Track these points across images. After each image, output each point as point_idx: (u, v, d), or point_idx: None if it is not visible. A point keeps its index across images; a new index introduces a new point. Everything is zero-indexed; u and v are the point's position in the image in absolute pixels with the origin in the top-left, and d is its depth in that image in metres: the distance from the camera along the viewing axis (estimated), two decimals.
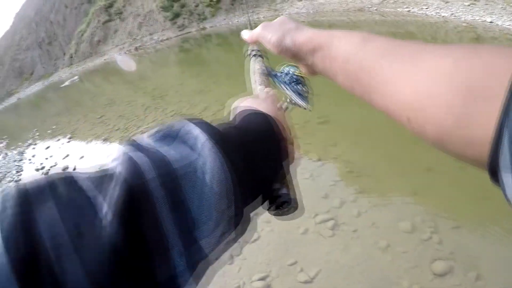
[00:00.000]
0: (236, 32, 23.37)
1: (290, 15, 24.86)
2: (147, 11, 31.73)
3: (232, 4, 28.66)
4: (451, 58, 0.41)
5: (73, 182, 0.34)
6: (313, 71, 0.71)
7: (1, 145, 14.59)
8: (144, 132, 0.46)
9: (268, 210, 0.61)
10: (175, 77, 14.74)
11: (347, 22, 21.58)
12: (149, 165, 0.37)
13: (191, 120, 0.47)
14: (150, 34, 28.64)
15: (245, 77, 0.97)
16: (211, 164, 0.40)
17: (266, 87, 0.82)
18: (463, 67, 0.38)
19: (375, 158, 6.31)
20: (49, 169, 8.97)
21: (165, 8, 30.10)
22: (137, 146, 0.41)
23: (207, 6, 28.77)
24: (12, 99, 39.57)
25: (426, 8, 22.18)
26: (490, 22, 18.71)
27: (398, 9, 22.88)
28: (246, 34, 0.90)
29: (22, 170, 10.03)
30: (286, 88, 0.85)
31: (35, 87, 40.24)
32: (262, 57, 0.93)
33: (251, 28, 0.95)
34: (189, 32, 26.68)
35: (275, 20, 0.79)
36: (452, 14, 20.64)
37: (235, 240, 0.47)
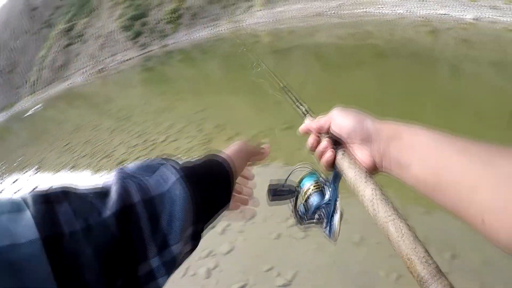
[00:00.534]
0: (198, 46, 23.51)
1: (250, 25, 25.07)
2: (108, 32, 31.45)
3: (193, 19, 28.73)
4: None
5: (77, 191, 0.48)
6: (379, 160, 0.69)
7: None
8: (130, 163, 0.64)
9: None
10: (140, 97, 14.67)
11: (306, 27, 21.82)
12: (135, 189, 0.52)
13: (167, 159, 0.65)
14: (113, 55, 28.39)
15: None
16: (179, 195, 0.56)
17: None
18: None
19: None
20: None
21: (126, 28, 29.91)
22: (127, 174, 0.56)
23: (168, 22, 28.75)
24: None
25: (382, 7, 22.73)
26: (445, 14, 19.39)
27: (355, 11, 23.37)
28: (308, 123, 0.87)
29: None
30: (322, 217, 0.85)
31: None
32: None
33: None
34: (152, 50, 26.60)
35: (342, 108, 0.79)
36: (408, 10, 21.27)
37: (195, 245, 0.63)
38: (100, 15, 33.89)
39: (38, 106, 28.69)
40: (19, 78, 44.16)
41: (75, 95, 23.48)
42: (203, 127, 8.60)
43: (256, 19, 26.39)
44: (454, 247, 3.46)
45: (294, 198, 0.92)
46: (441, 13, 20.25)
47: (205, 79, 15.26)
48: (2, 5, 52.63)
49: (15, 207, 0.40)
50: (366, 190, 0.66)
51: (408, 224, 0.59)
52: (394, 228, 0.59)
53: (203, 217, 0.65)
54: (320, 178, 0.89)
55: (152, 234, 0.51)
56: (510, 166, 0.45)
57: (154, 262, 0.51)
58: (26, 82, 41.05)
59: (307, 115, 1.02)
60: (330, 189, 0.84)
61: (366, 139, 0.70)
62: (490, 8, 19.36)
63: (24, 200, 0.42)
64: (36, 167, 11.00)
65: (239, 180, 0.90)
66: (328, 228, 0.84)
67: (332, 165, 0.80)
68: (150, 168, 0.62)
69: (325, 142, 0.81)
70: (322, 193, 0.85)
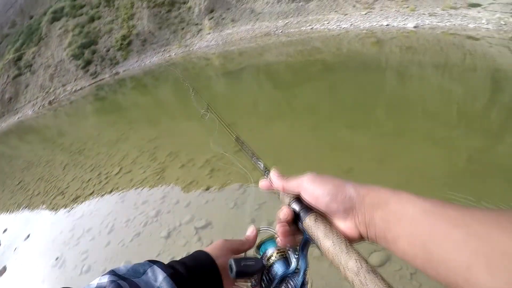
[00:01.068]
0: (149, 73, 23.48)
1: (200, 48, 25.27)
2: (58, 61, 30.86)
3: (143, 45, 28.71)
4: None
5: None
6: (363, 230, 0.64)
7: None
8: (120, 265, 0.74)
9: None
10: (92, 128, 14.50)
11: (256, 47, 22.16)
12: None
13: (154, 262, 0.76)
14: (63, 85, 27.85)
15: None
16: None
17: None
18: None
19: (297, 171, 6.53)
20: None
21: (76, 56, 29.47)
22: (118, 275, 0.66)
23: (118, 49, 28.56)
24: None
25: (328, 23, 23.61)
26: (387, 25, 20.47)
27: (302, 28, 24.11)
28: (276, 182, 0.83)
29: None
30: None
31: None
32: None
33: (266, 175, 0.92)
34: (103, 79, 26.26)
35: (316, 174, 0.75)
36: (352, 24, 22.22)
37: None
38: (49, 44, 33.15)
39: None
40: None
41: (26, 129, 22.85)
42: (156, 156, 8.64)
43: (206, 42, 26.71)
44: None
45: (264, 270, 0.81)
46: (383, 24, 21.24)
47: (157, 106, 15.28)
48: None
49: None
50: (350, 262, 0.59)
51: None
52: None
53: None
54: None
55: None
56: (510, 242, 0.43)
57: None
58: None
59: (265, 171, 0.96)
60: (295, 256, 0.78)
61: (349, 209, 0.65)
62: (429, 15, 20.56)
63: None
64: None
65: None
66: None
67: (305, 234, 0.73)
68: (139, 269, 0.72)
69: (290, 209, 0.76)
70: (287, 261, 0.78)
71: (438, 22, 19.43)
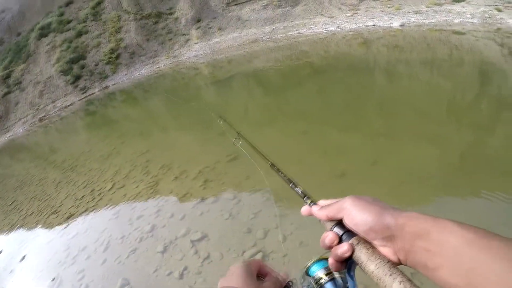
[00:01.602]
0: (139, 85, 23.46)
1: (189, 58, 25.32)
2: (47, 77, 30.73)
3: (132, 58, 28.71)
4: None
5: None
6: (403, 258, 0.64)
7: None
8: None
9: None
10: (84, 143, 14.45)
11: (244, 54, 22.27)
12: None
13: None
14: (53, 101, 27.72)
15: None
16: None
17: None
18: None
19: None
20: None
21: (64, 72, 29.37)
22: None
23: (107, 63, 28.54)
24: None
25: (314, 27, 23.81)
26: (373, 25, 20.78)
27: (289, 33, 24.28)
28: (319, 213, 0.83)
29: None
30: None
31: None
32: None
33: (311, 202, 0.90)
34: (93, 94, 26.19)
35: (356, 197, 0.75)
36: (338, 26, 22.46)
37: None
38: (38, 60, 33.00)
39: None
40: None
41: (18, 147, 22.69)
42: (149, 170, 8.63)
43: (194, 52, 26.80)
44: None
45: None
46: (369, 24, 21.49)
47: (148, 118, 15.29)
48: None
49: None
50: (394, 284, 0.60)
51: None
52: None
53: None
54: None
55: None
56: None
57: None
58: None
59: (305, 198, 0.95)
60: (343, 277, 0.79)
61: (388, 237, 0.66)
62: (414, 13, 20.84)
63: None
64: None
65: None
66: None
67: (348, 259, 0.73)
68: None
69: (334, 233, 0.76)
70: (335, 283, 0.79)
71: (424, 19, 19.70)
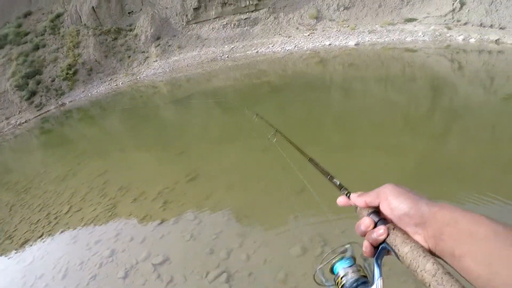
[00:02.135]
0: (96, 103, 23.12)
1: (148, 76, 25.28)
2: (1, 92, 29.71)
3: (89, 75, 28.28)
4: None
5: None
6: (432, 245, 0.67)
7: None
8: None
9: None
10: (39, 163, 14.13)
11: (203, 73, 22.48)
12: None
13: None
14: (7, 118, 26.77)
15: None
16: None
17: None
18: None
19: (250, 196, 6.70)
20: None
21: (19, 87, 28.48)
22: None
23: (64, 79, 27.95)
24: None
25: (273, 46, 24.50)
26: (329, 44, 21.79)
27: (248, 52, 24.81)
28: (358, 200, 0.87)
29: None
30: None
31: None
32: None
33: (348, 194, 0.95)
34: (48, 111, 25.46)
35: (394, 185, 0.79)
36: (296, 46, 23.27)
37: None
38: None
39: None
40: None
41: None
42: (107, 191, 8.54)
43: (153, 70, 26.87)
44: None
45: None
46: (326, 44, 22.39)
47: (105, 137, 15.15)
48: None
49: None
50: (427, 265, 0.63)
51: None
52: None
53: None
54: (359, 261, 0.86)
55: None
56: None
57: None
58: None
59: (342, 188, 1.03)
60: (369, 267, 0.83)
61: (420, 224, 0.69)
62: (369, 33, 21.97)
63: None
64: None
65: None
66: None
67: (382, 242, 0.77)
68: None
69: (370, 219, 0.81)
70: (361, 279, 0.81)
71: (378, 38, 20.81)
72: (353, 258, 0.86)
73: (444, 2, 21.72)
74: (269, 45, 24.81)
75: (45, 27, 31.88)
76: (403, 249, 0.70)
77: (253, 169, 7.78)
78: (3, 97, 29.59)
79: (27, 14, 33.77)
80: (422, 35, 19.95)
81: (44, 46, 31.27)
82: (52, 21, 32.12)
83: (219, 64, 23.82)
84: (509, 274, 0.49)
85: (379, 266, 0.77)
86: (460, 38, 18.40)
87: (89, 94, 26.09)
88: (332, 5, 26.01)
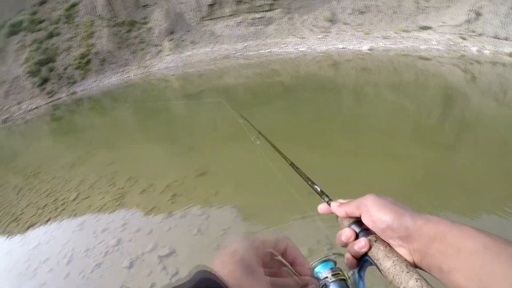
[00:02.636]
0: (108, 93, 23.19)
1: (160, 70, 25.30)
2: (14, 77, 29.81)
3: (102, 65, 28.36)
4: None
5: None
6: (418, 259, 0.65)
7: None
8: None
9: None
10: (48, 150, 14.16)
11: (215, 70, 22.42)
12: None
13: None
14: (18, 103, 26.89)
15: None
16: None
17: None
18: None
19: (259, 196, 6.64)
20: None
21: (32, 73, 28.64)
22: None
23: (76, 68, 28.08)
24: None
25: (286, 46, 24.40)
26: (343, 48, 21.64)
27: (261, 51, 24.73)
28: (338, 210, 0.83)
29: None
30: None
31: None
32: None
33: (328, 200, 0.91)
34: (60, 98, 25.52)
35: (377, 196, 0.77)
36: (309, 47, 23.12)
37: None
38: (5, 58, 31.94)
39: None
40: None
41: None
42: (115, 181, 8.52)
43: (165, 63, 26.81)
44: None
45: None
46: (339, 47, 22.23)
47: (116, 128, 15.16)
48: None
49: None
50: (410, 282, 0.61)
51: None
52: None
53: None
54: (337, 267, 0.84)
55: None
56: None
57: None
58: None
59: (323, 196, 0.98)
60: (351, 277, 0.79)
61: (405, 237, 0.67)
62: (383, 38, 21.79)
63: None
64: None
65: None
66: None
67: (364, 255, 0.74)
68: None
69: (351, 230, 0.78)
70: (344, 282, 0.80)
71: (392, 44, 20.65)
72: (333, 262, 0.85)
73: (460, 12, 21.56)
74: (283, 45, 24.72)
75: (60, 15, 31.96)
76: (385, 263, 0.68)
77: (262, 169, 7.76)
78: (15, 82, 29.74)
79: (42, 2, 33.83)
80: (436, 44, 19.81)
81: (58, 34, 31.39)
82: (67, 10, 32.22)
83: (231, 62, 23.77)
84: None
85: (361, 278, 0.76)
86: (474, 49, 18.26)
87: (101, 84, 26.15)
88: (347, 9, 25.92)
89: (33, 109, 25.24)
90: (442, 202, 5.59)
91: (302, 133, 9.49)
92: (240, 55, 24.98)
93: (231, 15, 28.07)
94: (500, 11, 20.04)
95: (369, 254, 0.72)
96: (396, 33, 22.64)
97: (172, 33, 29.04)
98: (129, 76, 26.25)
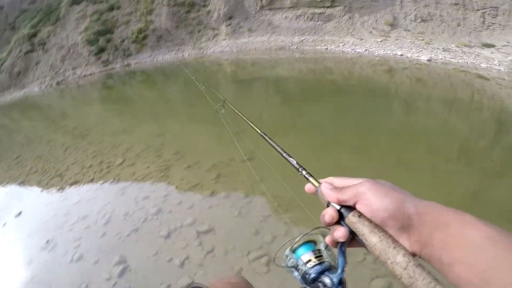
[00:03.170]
0: (161, 69, 23.53)
1: (214, 53, 25.36)
2: (72, 44, 30.75)
3: (158, 41, 28.78)
4: None
5: None
6: (417, 249, 0.61)
7: None
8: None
9: None
10: (98, 115, 14.41)
11: (268, 60, 22.26)
12: None
13: None
14: (73, 68, 27.72)
15: None
16: None
17: None
18: None
19: (302, 189, 6.37)
20: None
21: (90, 42, 29.45)
22: None
23: (133, 42, 28.62)
24: None
25: (343, 46, 23.86)
26: (401, 55, 20.83)
27: (317, 47, 24.31)
28: (330, 194, 0.75)
29: None
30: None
31: None
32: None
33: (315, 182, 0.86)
34: (113, 68, 26.14)
35: (374, 182, 0.71)
36: (366, 50, 22.49)
37: None
38: (66, 25, 33.01)
39: None
40: None
41: (30, 105, 22.77)
42: (162, 153, 8.51)
43: (220, 47, 26.91)
44: None
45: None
46: (398, 53, 21.51)
47: (166, 103, 15.21)
48: None
49: None
50: (398, 257, 0.60)
51: None
52: None
53: None
54: (320, 246, 0.85)
55: None
56: None
57: None
58: None
59: (299, 168, 0.96)
60: (327, 254, 0.81)
61: (406, 227, 0.62)
62: (443, 51, 20.85)
63: None
64: None
65: None
66: None
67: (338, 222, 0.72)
68: None
69: (334, 210, 0.72)
70: (322, 266, 0.81)
71: (451, 58, 19.72)
72: (314, 243, 0.86)
73: None
74: (340, 44, 24.14)
75: None
76: (371, 239, 0.65)
77: (306, 165, 7.48)
78: (73, 48, 30.67)
79: None
80: (497, 64, 18.65)
81: (118, 8, 32.10)
82: None
83: (286, 54, 23.45)
84: (502, 282, 0.46)
85: (343, 253, 0.74)
86: None
87: (155, 60, 26.53)
88: (410, 14, 24.99)
89: (87, 75, 25.93)
90: None
91: (347, 135, 9.14)
92: (296, 48, 24.62)
93: (291, 7, 27.68)
94: None
95: (354, 229, 0.69)
96: (457, 46, 21.60)
97: (230, 18, 29.01)
98: (183, 55, 26.48)
